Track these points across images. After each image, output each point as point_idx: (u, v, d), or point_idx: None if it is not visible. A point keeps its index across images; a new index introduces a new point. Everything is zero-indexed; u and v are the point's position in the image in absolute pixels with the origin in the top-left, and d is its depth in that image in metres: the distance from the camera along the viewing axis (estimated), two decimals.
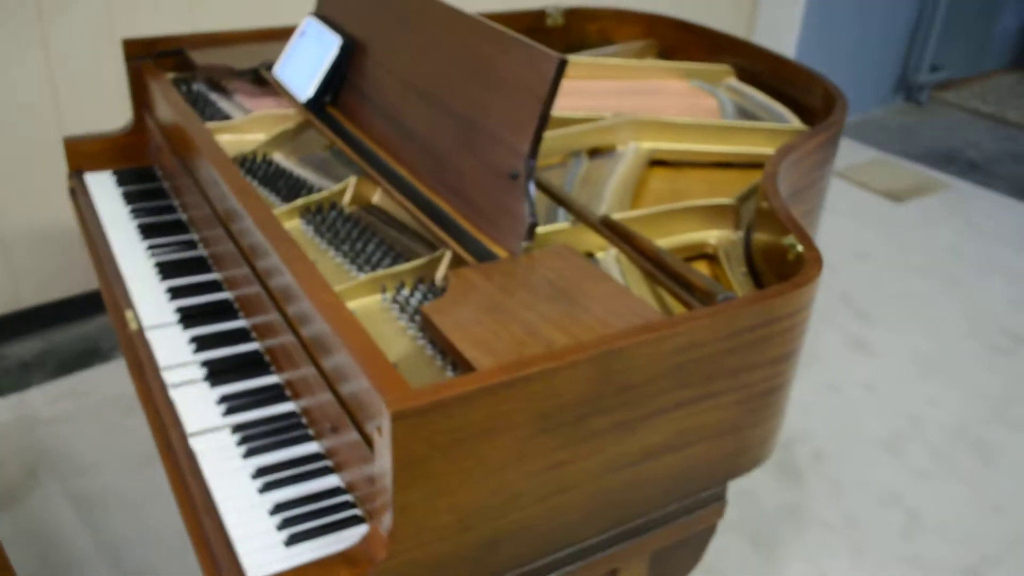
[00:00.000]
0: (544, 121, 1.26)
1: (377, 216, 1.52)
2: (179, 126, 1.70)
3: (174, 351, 1.41)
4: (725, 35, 2.18)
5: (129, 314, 1.50)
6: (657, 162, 1.77)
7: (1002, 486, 2.39)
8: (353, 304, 1.28)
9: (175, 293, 1.54)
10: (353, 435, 1.07)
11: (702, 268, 1.45)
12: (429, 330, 1.13)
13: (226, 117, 1.85)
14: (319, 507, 1.12)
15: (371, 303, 1.29)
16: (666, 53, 2.33)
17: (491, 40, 1.37)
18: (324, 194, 1.55)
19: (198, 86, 1.99)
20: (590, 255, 1.41)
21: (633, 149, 1.74)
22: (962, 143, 4.74)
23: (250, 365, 1.38)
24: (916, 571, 2.11)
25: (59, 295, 2.79)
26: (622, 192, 1.56)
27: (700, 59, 2.22)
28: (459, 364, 1.06)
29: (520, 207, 1.26)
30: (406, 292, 1.30)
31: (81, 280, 2.80)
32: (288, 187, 1.63)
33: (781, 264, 1.29)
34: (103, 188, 1.91)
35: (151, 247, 1.68)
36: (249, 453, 1.20)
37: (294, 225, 1.51)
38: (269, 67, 1.90)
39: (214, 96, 1.95)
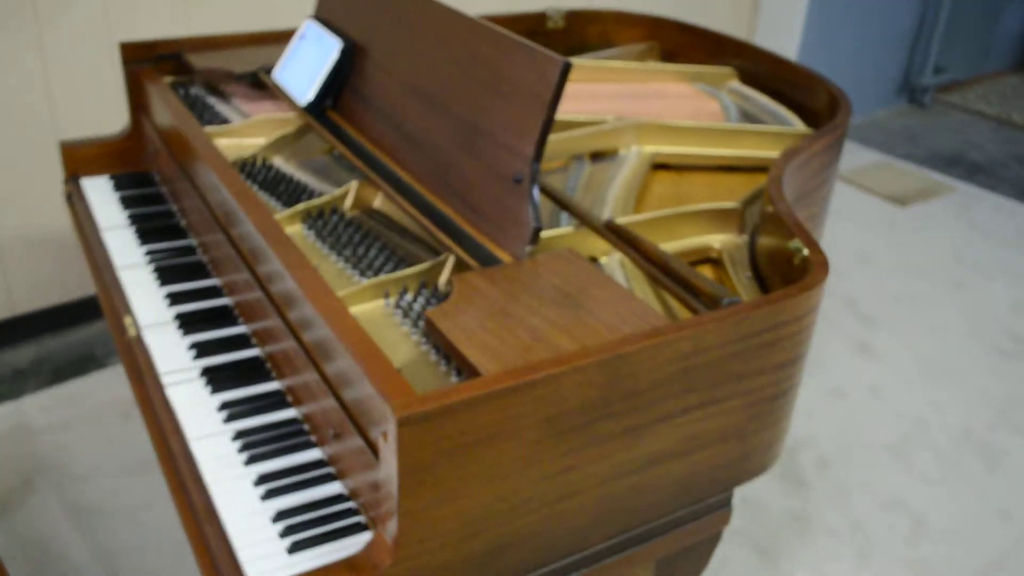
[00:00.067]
0: (548, 125, 1.26)
1: (379, 221, 1.51)
2: (177, 130, 1.69)
3: (174, 357, 1.40)
4: (727, 37, 2.17)
5: (128, 320, 1.49)
6: (660, 166, 1.76)
7: (1007, 490, 2.38)
8: (356, 309, 1.27)
9: (174, 299, 1.53)
10: (357, 441, 1.06)
11: (706, 273, 1.44)
12: (433, 335, 1.12)
13: (224, 121, 1.84)
14: (322, 514, 1.11)
15: (374, 308, 1.28)
16: (668, 56, 2.32)
17: (494, 43, 1.36)
18: (325, 199, 1.53)
19: (196, 90, 1.98)
20: (594, 259, 1.40)
21: (636, 153, 1.73)
22: (966, 145, 4.73)
23: (251, 371, 1.37)
24: None
25: (54, 301, 2.78)
26: (625, 196, 1.55)
27: (702, 62, 2.21)
28: (464, 369, 1.05)
29: (524, 211, 1.25)
30: (409, 297, 1.29)
31: (76, 286, 2.79)
32: (289, 192, 1.62)
33: (786, 268, 1.28)
34: (100, 193, 1.89)
35: (149, 252, 1.67)
36: (251, 460, 1.19)
37: (296, 230, 1.50)
38: (268, 71, 1.89)
39: (212, 100, 1.94)
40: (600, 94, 2.01)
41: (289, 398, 1.30)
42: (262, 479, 1.16)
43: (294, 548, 1.06)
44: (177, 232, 1.75)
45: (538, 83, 1.27)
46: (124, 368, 1.48)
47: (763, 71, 2.08)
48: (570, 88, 2.02)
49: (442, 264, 1.33)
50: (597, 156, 1.74)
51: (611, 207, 1.50)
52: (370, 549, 0.98)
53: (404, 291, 1.30)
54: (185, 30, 2.68)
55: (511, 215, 1.28)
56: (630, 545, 1.22)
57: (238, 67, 1.92)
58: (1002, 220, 3.92)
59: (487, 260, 1.27)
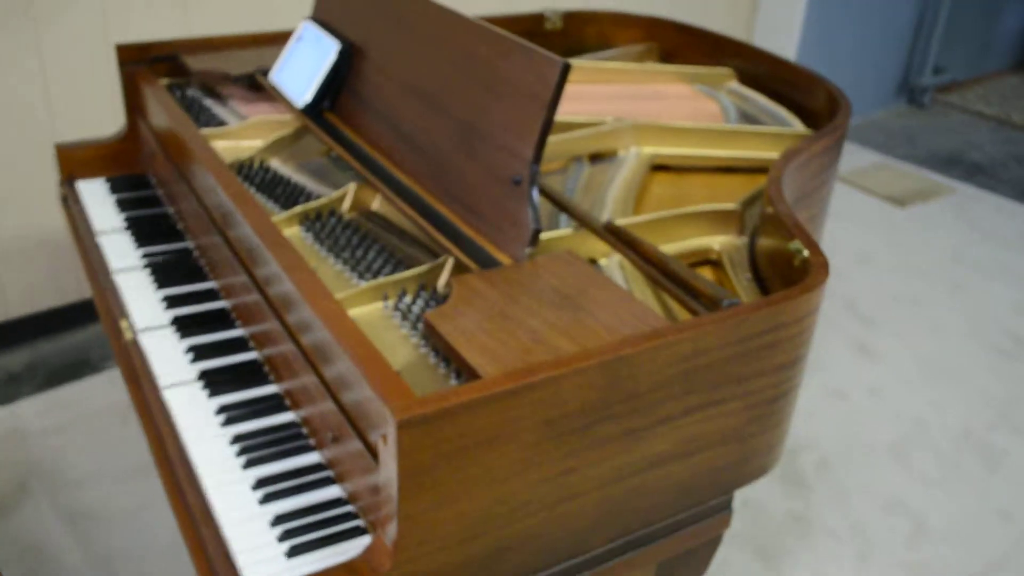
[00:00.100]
0: (548, 126, 1.25)
1: (377, 223, 1.51)
2: (174, 132, 1.68)
3: (171, 361, 1.39)
4: (726, 38, 2.17)
5: (124, 323, 1.48)
6: (659, 167, 1.75)
7: (1008, 491, 2.37)
8: (354, 312, 1.27)
9: (171, 302, 1.52)
10: (356, 445, 1.06)
11: (706, 274, 1.44)
12: (433, 338, 1.12)
13: (221, 123, 1.83)
14: (321, 518, 1.10)
15: (373, 311, 1.28)
16: (666, 56, 2.32)
17: (492, 44, 1.36)
18: (323, 201, 1.53)
19: (192, 92, 1.98)
20: (593, 261, 1.40)
21: (635, 154, 1.73)
22: (966, 146, 4.72)
23: (249, 374, 1.36)
24: None
25: (48, 305, 2.76)
26: (624, 198, 1.55)
27: (700, 62, 2.20)
28: (464, 372, 1.05)
29: (524, 213, 1.25)
30: (408, 299, 1.28)
31: (70, 289, 2.77)
32: (286, 194, 1.61)
33: (787, 269, 1.28)
34: (96, 195, 1.88)
35: (146, 255, 1.66)
36: (249, 464, 1.18)
37: (293, 232, 1.50)
38: (265, 72, 1.88)
39: (209, 102, 1.94)
40: (598, 95, 2.00)
41: (287, 401, 1.30)
42: (260, 483, 1.15)
43: (293, 552, 1.05)
44: (174, 235, 1.74)
45: (537, 84, 1.26)
46: (121, 372, 1.47)
47: (762, 72, 2.08)
48: (568, 89, 2.01)
49: (441, 266, 1.32)
50: (596, 157, 1.73)
51: (610, 209, 1.50)
52: (370, 552, 0.98)
53: (403, 293, 1.29)
54: (182, 31, 2.67)
55: (510, 217, 1.27)
56: (630, 548, 1.21)
57: (235, 69, 1.92)
58: (1002, 221, 3.92)
59: (486, 262, 1.26)
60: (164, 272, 1.61)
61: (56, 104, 2.55)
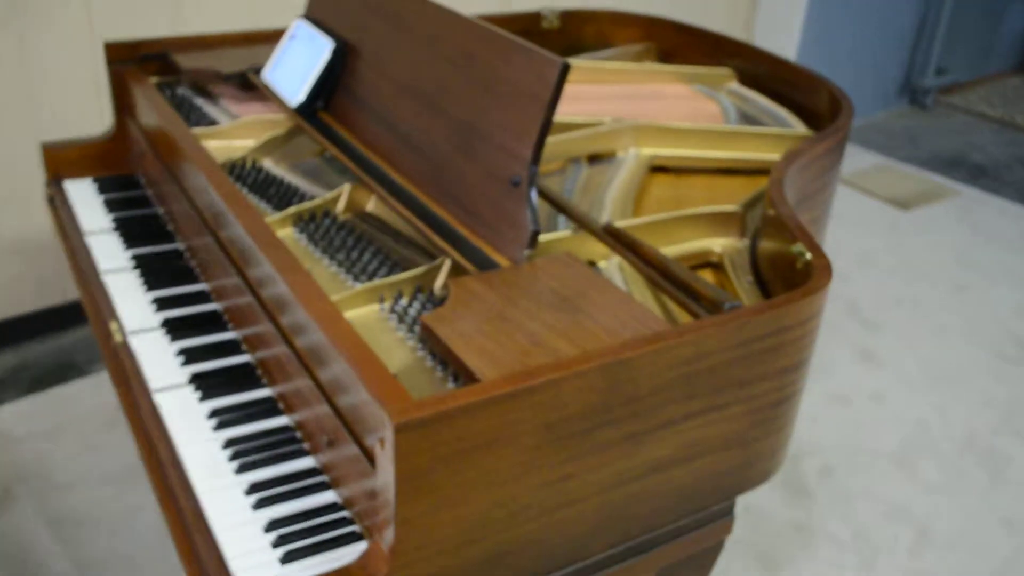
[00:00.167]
0: (547, 127, 1.24)
1: (372, 224, 1.49)
2: (164, 132, 1.66)
3: (161, 364, 1.37)
4: (726, 37, 2.15)
5: (113, 326, 1.46)
6: (658, 168, 1.74)
7: (1012, 498, 2.35)
8: (350, 314, 1.25)
9: (161, 304, 1.50)
10: (351, 449, 1.04)
11: (707, 277, 1.42)
12: (430, 340, 1.10)
13: (212, 122, 1.81)
14: (316, 524, 1.09)
15: (368, 313, 1.26)
16: (665, 56, 2.30)
17: (491, 43, 1.34)
18: (317, 202, 1.51)
19: (183, 90, 1.95)
20: (592, 263, 1.38)
21: (633, 155, 1.71)
22: (968, 148, 4.70)
23: (241, 378, 1.34)
24: None
25: (33, 307, 2.72)
26: (623, 199, 1.53)
27: (700, 62, 2.19)
28: (462, 375, 1.03)
29: (522, 214, 1.23)
30: (404, 302, 1.26)
31: (56, 292, 2.73)
32: (279, 194, 1.59)
33: (789, 272, 1.26)
34: (84, 196, 1.86)
35: (135, 257, 1.64)
36: (241, 469, 1.16)
37: (287, 233, 1.47)
38: (257, 71, 1.86)
39: (199, 101, 1.91)
40: (596, 95, 1.98)
41: (281, 405, 1.28)
42: (254, 488, 1.13)
43: (287, 558, 1.04)
44: (164, 236, 1.72)
45: (536, 84, 1.25)
46: (109, 375, 1.45)
47: (762, 72, 2.06)
48: (566, 89, 1.99)
49: (438, 268, 1.30)
50: (594, 158, 1.72)
51: (609, 210, 1.48)
52: (366, 558, 0.96)
53: (399, 295, 1.27)
54: (172, 29, 2.64)
55: (509, 218, 1.25)
56: (631, 554, 1.20)
57: (226, 67, 1.89)
58: (1005, 224, 3.90)
59: (484, 264, 1.25)
60: (154, 274, 1.59)
61: (41, 102, 2.51)
